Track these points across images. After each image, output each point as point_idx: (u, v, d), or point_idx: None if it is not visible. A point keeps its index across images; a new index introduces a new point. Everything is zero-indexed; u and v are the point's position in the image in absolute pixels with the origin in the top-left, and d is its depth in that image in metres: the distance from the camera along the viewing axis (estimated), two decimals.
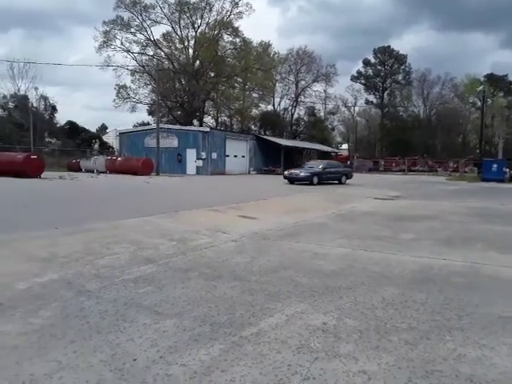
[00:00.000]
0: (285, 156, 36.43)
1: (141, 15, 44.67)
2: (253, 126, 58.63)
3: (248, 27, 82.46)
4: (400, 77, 65.25)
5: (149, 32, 45.95)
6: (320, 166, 22.77)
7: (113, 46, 44.49)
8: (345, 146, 69.79)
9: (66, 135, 43.81)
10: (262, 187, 19.51)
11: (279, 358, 2.41)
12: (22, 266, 4.28)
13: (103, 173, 27.52)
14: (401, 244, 6.02)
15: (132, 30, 45.04)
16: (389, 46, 65.00)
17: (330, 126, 65.67)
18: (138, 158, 28.31)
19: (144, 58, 47.13)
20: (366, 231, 7.09)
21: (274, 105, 61.30)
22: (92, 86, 77.69)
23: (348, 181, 23.63)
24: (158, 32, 50.81)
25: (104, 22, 44.02)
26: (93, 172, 28.04)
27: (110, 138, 52.94)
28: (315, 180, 21.19)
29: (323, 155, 44.72)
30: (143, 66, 46.75)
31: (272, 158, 36.78)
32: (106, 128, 55.43)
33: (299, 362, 2.35)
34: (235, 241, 5.98)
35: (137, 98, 47.85)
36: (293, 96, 61.35)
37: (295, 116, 62.95)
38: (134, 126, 47.01)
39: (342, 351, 2.51)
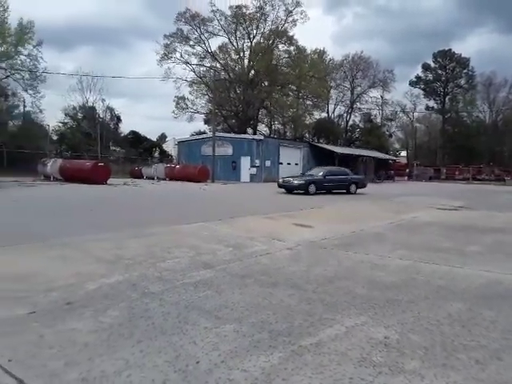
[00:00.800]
0: (339, 164, 35.74)
1: (199, 28, 46.37)
2: (306, 134, 58.35)
3: (302, 35, 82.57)
4: (462, 81, 61.85)
5: (206, 44, 47.55)
6: (320, 173, 19.99)
7: (173, 59, 46.52)
8: (403, 153, 67.19)
9: (129, 144, 46.31)
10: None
11: (340, 370, 2.35)
12: (90, 267, 4.57)
13: (163, 179, 28.72)
14: (466, 257, 5.66)
15: (191, 42, 46.85)
16: (450, 50, 61.93)
17: (387, 133, 63.60)
18: (195, 166, 29.23)
19: (201, 69, 48.78)
20: (428, 242, 6.76)
21: (328, 112, 60.68)
22: (153, 97, 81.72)
23: (361, 190, 20.47)
24: (214, 44, 52.36)
25: (165, 36, 46.21)
26: (153, 179, 29.35)
27: (169, 147, 55.09)
28: (312, 189, 18.42)
29: (380, 162, 43.40)
30: (201, 77, 48.37)
31: (326, 166, 36.32)
32: (165, 137, 57.83)
33: (361, 376, 2.28)
34: (290, 249, 5.96)
35: (194, 108, 49.57)
36: (348, 102, 60.34)
37: (350, 123, 61.82)
38: (191, 134, 48.62)
39: (407, 367, 2.40)
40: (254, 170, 31.73)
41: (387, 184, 37.04)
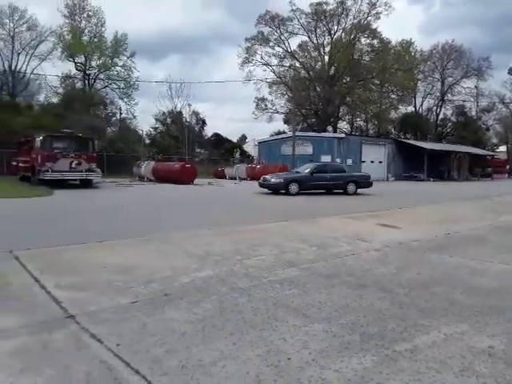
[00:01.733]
0: (429, 160, 33.60)
1: (279, 29, 46.76)
2: (392, 130, 55.64)
3: (386, 27, 78.94)
4: None
5: (286, 44, 47.78)
6: (307, 170, 16.98)
7: (253, 61, 47.57)
8: (502, 148, 60.78)
9: (212, 146, 48.37)
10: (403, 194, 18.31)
11: (439, 378, 2.21)
12: (183, 261, 4.86)
13: (244, 179, 29.48)
14: None
15: (271, 43, 47.46)
16: None
17: (483, 126, 58.08)
18: (275, 165, 29.49)
19: (281, 69, 49.15)
20: None
21: (415, 106, 57.17)
22: (235, 100, 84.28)
23: (365, 190, 17.23)
24: (294, 43, 52.35)
25: (246, 39, 47.43)
26: (235, 179, 30.28)
27: (249, 147, 56.46)
28: (293, 188, 15.78)
29: (476, 159, 39.83)
30: (280, 78, 48.74)
31: (414, 164, 34.29)
32: (245, 138, 59.38)
33: None
34: (378, 250, 5.74)
35: (274, 108, 50.12)
36: (438, 95, 56.27)
37: (441, 116, 57.59)
38: (271, 135, 49.23)
39: None
40: None
41: (480, 182, 33.85)
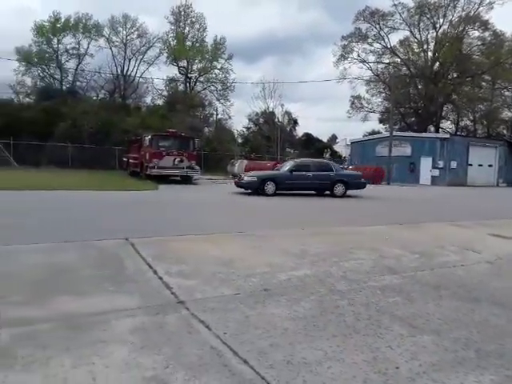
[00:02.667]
0: None
1: (378, 24, 44.94)
2: (504, 131, 50.03)
3: (500, 18, 71.06)
4: None
5: (386, 40, 45.76)
6: (286, 168, 15.11)
7: (349, 59, 46.41)
8: None
9: (302, 145, 48.36)
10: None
11: None
12: (280, 259, 4.93)
13: None
14: None
15: (369, 40, 45.86)
16: None
17: None
18: (370, 167, 28.45)
19: (379, 66, 47.18)
20: None
21: None
22: (326, 99, 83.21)
23: (358, 192, 15.63)
24: (394, 39, 49.88)
25: (342, 37, 46.44)
26: None
27: (340, 147, 55.27)
28: (269, 188, 13.95)
29: None
30: (378, 75, 46.82)
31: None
32: (335, 138, 58.30)
33: None
34: (490, 262, 5.21)
35: (369, 107, 48.34)
36: None
37: None
38: (364, 135, 47.58)
39: None
40: (436, 172, 28.98)
41: None
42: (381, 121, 51.00)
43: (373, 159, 32.73)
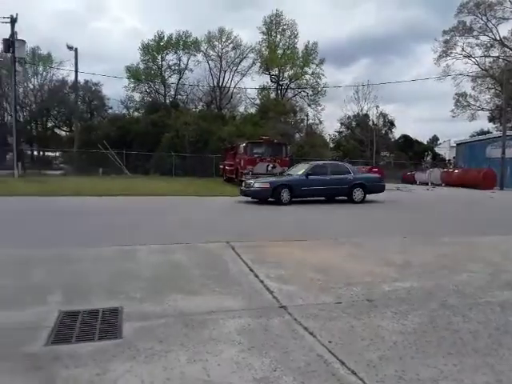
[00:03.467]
0: None
1: (485, 15, 40.83)
2: None
3: None
4: None
5: (494, 32, 41.36)
6: (300, 172, 13.12)
7: (452, 54, 42.87)
8: None
9: (399, 148, 45.76)
10: None
11: None
12: (380, 268, 4.73)
13: (438, 185, 26.87)
14: None
15: (474, 33, 41.89)
16: None
17: None
18: (479, 170, 25.86)
19: (487, 60, 42.80)
20: None
21: None
22: (425, 99, 77.68)
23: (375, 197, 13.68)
24: (503, 30, 44.87)
25: (444, 32, 43.10)
26: (427, 184, 27.91)
27: (443, 150, 51.18)
28: (285, 196, 12.21)
29: None
30: (486, 70, 42.51)
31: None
32: (437, 139, 54.09)
33: None
34: None
35: (477, 105, 44.06)
36: None
37: None
38: (471, 135, 43.47)
39: None
40: None
41: None
42: (490, 119, 46.11)
43: (483, 161, 29.67)
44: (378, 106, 45.30)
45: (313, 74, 45.63)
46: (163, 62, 43.91)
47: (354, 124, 48.83)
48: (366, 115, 46.60)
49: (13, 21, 22.83)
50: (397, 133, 48.65)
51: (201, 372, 2.29)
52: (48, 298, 3.45)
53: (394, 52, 77.16)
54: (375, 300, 3.59)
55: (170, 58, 43.95)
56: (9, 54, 23.95)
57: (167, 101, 43.18)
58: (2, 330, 2.80)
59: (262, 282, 4.07)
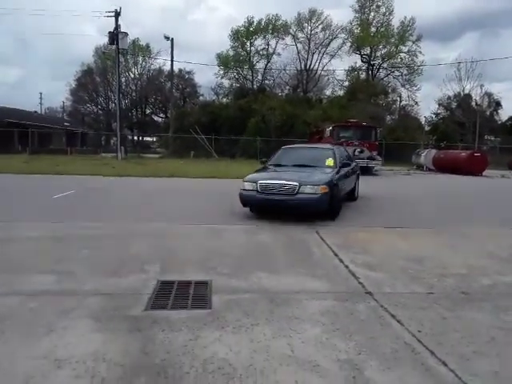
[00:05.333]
0: None
1: None
2: None
3: None
4: None
5: None
6: (331, 162, 7.42)
7: None
8: None
9: (507, 132, 40.94)
10: None
11: None
12: (481, 260, 4.36)
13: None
14: None
15: None
16: None
17: None
18: None
19: None
20: None
21: None
22: None
23: None
24: None
25: None
26: None
27: None
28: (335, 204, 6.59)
29: None
30: None
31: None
32: None
33: None
34: None
35: None
36: None
37: None
38: None
39: None
40: None
41: None
42: None
43: None
44: (482, 85, 40.95)
45: (408, 51, 42.64)
46: (252, 48, 44.49)
47: (454, 105, 44.77)
48: (469, 95, 42.40)
49: (117, 14, 24.80)
50: (504, 114, 43.58)
51: (285, 347, 2.36)
52: (146, 268, 3.81)
53: (503, 26, 68.49)
54: (471, 293, 3.33)
55: (259, 43, 44.34)
56: (113, 46, 26.12)
57: (254, 86, 43.82)
58: (108, 295, 3.16)
59: (346, 266, 4.02)
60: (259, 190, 6.28)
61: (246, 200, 6.57)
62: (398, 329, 2.64)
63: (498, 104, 42.46)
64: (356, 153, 18.18)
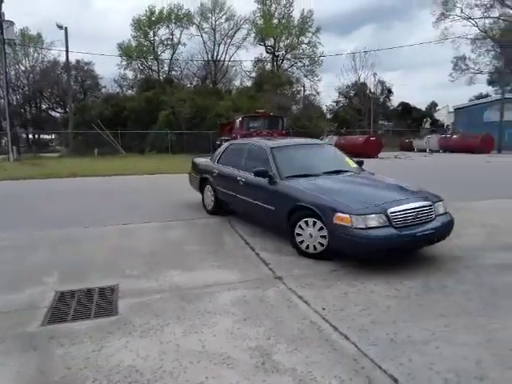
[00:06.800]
0: None
1: None
2: None
3: None
4: None
5: None
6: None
7: (451, 17, 41.74)
8: None
9: (398, 116, 45.26)
10: None
11: None
12: None
13: (436, 152, 26.74)
14: None
15: None
16: None
17: None
18: (476, 135, 25.67)
19: (487, 21, 41.71)
20: None
21: None
22: (425, 66, 75.91)
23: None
24: None
25: None
26: (425, 151, 27.77)
27: (441, 116, 50.65)
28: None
29: None
30: (485, 32, 41.52)
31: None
32: (435, 105, 53.38)
33: None
34: None
35: (476, 68, 43.26)
36: None
37: None
38: (470, 100, 42.87)
39: None
40: None
41: None
42: (490, 82, 45.37)
43: (481, 126, 29.38)
44: (375, 74, 44.59)
45: (309, 43, 44.69)
46: (155, 38, 42.93)
47: (351, 93, 48.14)
48: (364, 84, 45.87)
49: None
50: (396, 101, 48.02)
51: (196, 344, 2.33)
52: (45, 279, 3.47)
53: (396, 19, 75.01)
54: (374, 264, 3.61)
55: (162, 32, 42.94)
56: None
57: (161, 77, 42.44)
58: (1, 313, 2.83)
59: (257, 254, 4.09)
60: (396, 223, 3.58)
61: (377, 247, 3.49)
62: (305, 309, 2.76)
63: (389, 91, 46.58)
64: None
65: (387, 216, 3.54)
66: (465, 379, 1.91)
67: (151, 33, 42.57)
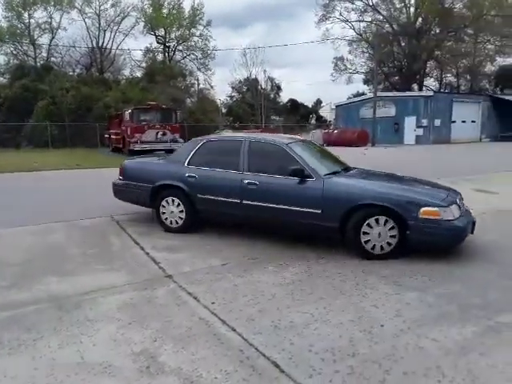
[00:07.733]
0: None
1: None
2: (487, 85, 49.97)
3: None
4: None
5: None
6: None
7: (331, 19, 45.07)
8: None
9: (288, 112, 47.80)
10: None
11: None
12: None
13: (320, 145, 28.89)
14: None
15: None
16: None
17: None
18: (354, 130, 28.36)
19: (362, 25, 46.07)
20: None
21: None
22: (311, 64, 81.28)
23: None
24: None
25: None
26: None
27: (326, 112, 54.84)
28: None
29: None
30: (360, 34, 45.87)
31: None
32: (320, 102, 57.59)
33: None
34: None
35: (353, 68, 47.59)
36: None
37: None
38: (349, 97, 47.11)
39: None
40: (420, 131, 29.02)
41: None
42: (365, 82, 50.39)
43: (358, 122, 32.54)
44: (265, 71, 46.30)
45: (201, 36, 44.27)
46: (31, 20, 38.32)
47: (244, 89, 49.29)
48: (256, 79, 47.29)
49: None
50: (285, 97, 50.55)
51: (74, 355, 2.15)
52: None
53: (288, 18, 78.27)
54: (259, 258, 3.74)
55: (40, 15, 38.48)
56: None
57: (38, 64, 38.17)
58: None
59: (147, 253, 3.95)
60: (462, 213, 3.78)
61: (465, 234, 3.71)
62: (194, 305, 2.74)
63: (279, 88, 48.83)
64: (159, 136, 18.08)
65: (459, 206, 3.73)
66: (339, 357, 2.08)
67: (26, 14, 37.91)
